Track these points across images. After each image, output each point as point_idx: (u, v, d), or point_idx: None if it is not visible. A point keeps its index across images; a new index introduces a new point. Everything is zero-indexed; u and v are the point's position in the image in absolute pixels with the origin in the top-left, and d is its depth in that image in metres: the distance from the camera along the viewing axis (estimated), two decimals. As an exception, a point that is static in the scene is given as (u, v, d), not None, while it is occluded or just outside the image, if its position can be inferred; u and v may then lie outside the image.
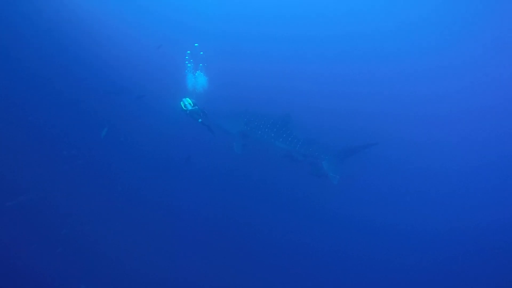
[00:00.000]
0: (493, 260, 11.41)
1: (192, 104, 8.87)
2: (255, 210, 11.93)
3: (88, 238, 9.20)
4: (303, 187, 12.12)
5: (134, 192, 11.35)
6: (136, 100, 11.77)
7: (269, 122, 11.36)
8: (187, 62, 13.08)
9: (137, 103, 11.67)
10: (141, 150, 12.20)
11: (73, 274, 8.93)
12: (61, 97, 11.66)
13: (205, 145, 12.26)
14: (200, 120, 9.09)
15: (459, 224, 12.59)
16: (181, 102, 8.81)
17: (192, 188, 11.93)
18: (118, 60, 15.17)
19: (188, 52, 13.06)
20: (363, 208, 12.49)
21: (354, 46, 18.85)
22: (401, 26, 19.40)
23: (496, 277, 10.73)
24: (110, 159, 11.07)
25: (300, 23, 18.76)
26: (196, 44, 13.62)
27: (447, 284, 10.90)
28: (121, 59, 15.38)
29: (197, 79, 13.13)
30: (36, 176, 9.35)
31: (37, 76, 11.38)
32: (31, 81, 11.06)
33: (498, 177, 14.99)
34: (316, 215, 12.15)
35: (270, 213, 11.97)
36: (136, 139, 12.34)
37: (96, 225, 9.52)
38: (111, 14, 17.54)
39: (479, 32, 17.98)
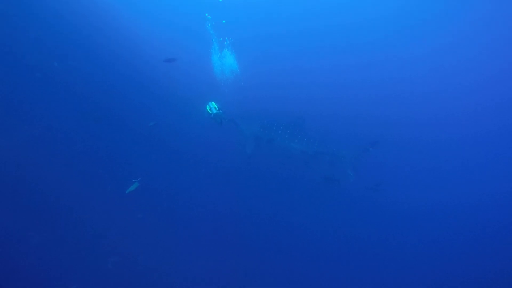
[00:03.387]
0: (494, 259, 11.75)
1: (217, 108, 9.28)
2: (262, 210, 12.21)
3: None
4: (309, 188, 12.42)
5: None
6: (150, 128, 11.32)
7: (283, 124, 11.71)
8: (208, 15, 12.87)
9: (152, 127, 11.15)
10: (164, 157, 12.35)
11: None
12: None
13: (214, 145, 12.58)
14: (221, 123, 9.53)
15: (461, 224, 12.95)
16: (207, 106, 9.21)
17: (208, 190, 12.17)
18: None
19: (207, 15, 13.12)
20: (370, 210, 12.81)
21: (368, 41, 19.05)
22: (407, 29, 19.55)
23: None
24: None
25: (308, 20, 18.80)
26: (223, 21, 13.73)
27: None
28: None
29: (224, 58, 13.04)
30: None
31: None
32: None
33: (499, 175, 15.43)
34: (322, 214, 12.45)
35: (276, 212, 12.25)
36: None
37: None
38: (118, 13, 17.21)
39: (479, 32, 18.33)
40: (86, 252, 9.17)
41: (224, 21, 13.79)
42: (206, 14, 13.25)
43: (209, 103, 9.22)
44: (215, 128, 9.85)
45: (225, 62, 13.20)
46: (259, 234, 11.44)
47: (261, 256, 10.89)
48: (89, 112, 11.19)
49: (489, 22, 17.69)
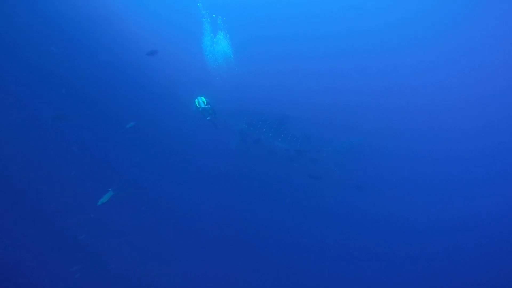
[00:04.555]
0: (491, 255, 11.80)
1: (205, 103, 9.09)
2: (258, 210, 12.10)
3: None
4: (303, 186, 12.51)
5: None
6: (128, 129, 10.31)
7: (268, 123, 11.76)
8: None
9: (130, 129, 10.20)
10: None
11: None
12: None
13: (208, 146, 12.12)
14: (208, 118, 9.33)
15: (458, 219, 12.87)
16: (196, 100, 9.00)
17: (197, 189, 11.70)
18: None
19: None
20: (365, 206, 12.90)
21: (351, 44, 19.12)
22: (398, 22, 19.26)
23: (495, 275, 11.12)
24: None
25: (301, 22, 18.63)
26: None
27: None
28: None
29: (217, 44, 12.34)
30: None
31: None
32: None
33: (498, 171, 15.24)
34: (318, 213, 12.55)
35: (271, 211, 12.22)
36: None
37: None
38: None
39: (476, 26, 18.10)
40: (55, 256, 8.22)
41: None
42: None
43: (198, 97, 9.02)
44: (202, 124, 9.53)
45: (218, 49, 12.63)
46: (246, 233, 11.30)
47: (248, 257, 10.74)
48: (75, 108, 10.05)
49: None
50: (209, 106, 9.23)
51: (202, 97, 9.05)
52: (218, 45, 12.46)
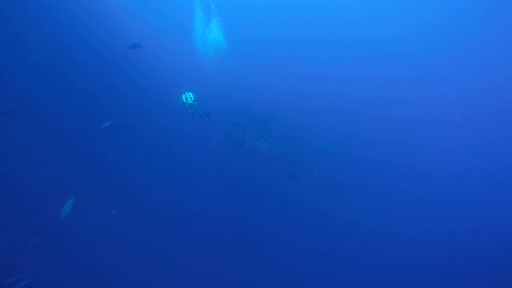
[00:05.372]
0: (490, 263, 12.26)
1: (192, 99, 8.49)
2: (255, 212, 11.72)
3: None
4: (284, 187, 12.37)
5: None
6: (110, 127, 9.22)
7: (252, 122, 11.57)
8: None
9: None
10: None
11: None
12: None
13: (203, 147, 11.34)
14: (194, 113, 8.80)
15: (457, 227, 13.46)
16: (183, 95, 8.33)
17: (191, 190, 10.95)
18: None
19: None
20: (361, 211, 13.11)
21: (341, 50, 19.06)
22: (389, 30, 18.99)
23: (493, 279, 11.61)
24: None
25: (302, 26, 18.26)
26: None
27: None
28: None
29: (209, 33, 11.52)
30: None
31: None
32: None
33: (497, 180, 15.76)
34: (314, 217, 12.46)
35: (268, 214, 11.91)
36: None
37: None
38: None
39: (480, 37, 18.05)
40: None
41: None
42: None
43: (186, 92, 8.36)
44: (185, 123, 8.87)
45: (210, 39, 11.75)
46: (226, 233, 10.88)
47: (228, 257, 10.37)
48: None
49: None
50: (196, 102, 8.66)
51: (190, 93, 8.43)
52: (210, 35, 11.64)
